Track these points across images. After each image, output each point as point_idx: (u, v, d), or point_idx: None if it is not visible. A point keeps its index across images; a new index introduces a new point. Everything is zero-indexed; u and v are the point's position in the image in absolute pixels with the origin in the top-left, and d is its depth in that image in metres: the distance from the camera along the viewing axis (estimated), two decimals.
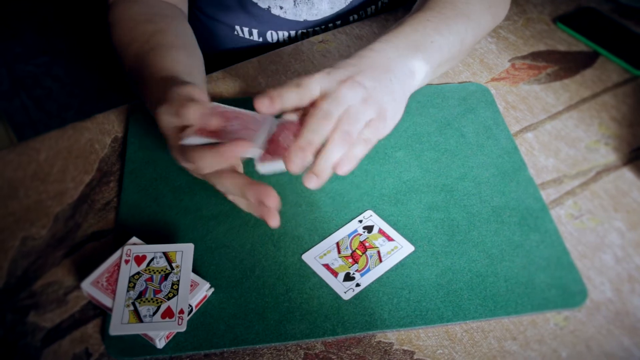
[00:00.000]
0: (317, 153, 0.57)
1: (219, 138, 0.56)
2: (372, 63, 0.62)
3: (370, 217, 0.67)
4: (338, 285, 0.61)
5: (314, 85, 0.58)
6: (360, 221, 0.66)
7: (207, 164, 0.56)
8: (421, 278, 0.63)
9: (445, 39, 0.68)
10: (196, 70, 0.71)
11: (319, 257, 0.63)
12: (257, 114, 0.59)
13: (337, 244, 0.64)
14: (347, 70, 0.60)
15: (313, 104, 0.58)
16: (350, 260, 0.63)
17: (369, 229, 0.66)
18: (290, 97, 0.58)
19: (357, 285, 0.61)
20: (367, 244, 0.65)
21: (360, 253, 0.64)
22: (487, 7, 0.75)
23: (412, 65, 0.64)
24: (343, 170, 0.58)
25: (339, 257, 0.63)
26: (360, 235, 0.65)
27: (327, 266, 0.63)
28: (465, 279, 0.63)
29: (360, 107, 0.58)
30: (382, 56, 0.63)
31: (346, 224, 0.66)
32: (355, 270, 0.62)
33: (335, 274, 0.62)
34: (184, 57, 0.71)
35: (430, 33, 0.67)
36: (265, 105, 0.57)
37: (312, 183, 0.57)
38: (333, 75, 0.59)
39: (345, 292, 0.61)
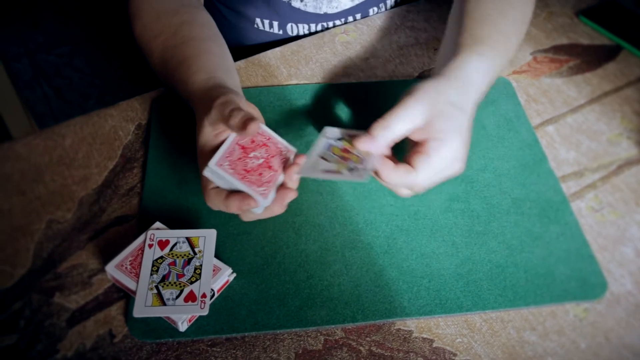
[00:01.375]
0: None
1: (238, 175, 0.58)
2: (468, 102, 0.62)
3: (331, 132, 0.64)
4: (351, 176, 0.58)
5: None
6: (328, 137, 0.64)
7: (214, 206, 0.59)
8: (441, 267, 0.63)
9: (497, 76, 0.69)
10: (227, 59, 0.73)
11: (320, 171, 0.60)
12: (284, 142, 0.62)
13: (322, 157, 0.61)
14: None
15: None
16: (343, 160, 0.61)
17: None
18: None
19: (364, 169, 0.59)
20: (346, 148, 0.62)
21: (347, 155, 0.61)
22: (528, 23, 0.76)
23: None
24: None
25: (332, 162, 0.61)
26: (335, 145, 0.63)
27: (330, 172, 0.59)
28: (484, 269, 0.63)
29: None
30: (475, 91, 0.63)
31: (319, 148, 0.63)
32: (353, 163, 0.60)
33: (339, 173, 0.59)
34: (214, 49, 0.72)
35: (497, 74, 0.68)
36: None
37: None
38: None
39: (363, 176, 0.58)
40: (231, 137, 0.60)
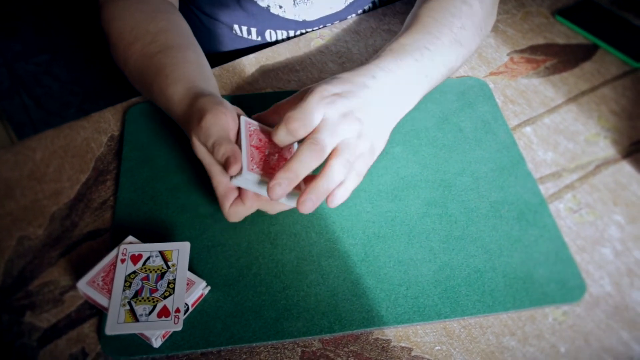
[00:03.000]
0: (310, 179, 0.58)
1: (265, 174, 0.58)
2: (372, 96, 0.62)
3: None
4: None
5: (317, 115, 0.58)
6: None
7: (237, 218, 0.62)
8: (419, 274, 0.62)
9: (438, 71, 0.69)
10: (204, 67, 0.72)
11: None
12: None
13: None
14: (350, 101, 0.60)
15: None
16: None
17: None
18: (300, 132, 0.58)
19: None
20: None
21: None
22: (479, 30, 0.75)
23: (405, 101, 0.65)
24: (335, 202, 0.58)
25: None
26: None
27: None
28: (463, 275, 0.62)
29: (356, 141, 0.59)
30: (383, 88, 0.63)
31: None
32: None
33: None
34: (192, 57, 0.71)
35: (427, 64, 0.67)
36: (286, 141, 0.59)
37: (308, 206, 0.56)
38: (336, 105, 0.59)
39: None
40: (244, 141, 0.59)
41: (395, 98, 0.64)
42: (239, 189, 0.61)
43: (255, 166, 0.58)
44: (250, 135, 0.61)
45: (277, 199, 0.55)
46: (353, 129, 0.59)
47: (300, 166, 0.56)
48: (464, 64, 0.84)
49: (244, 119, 0.62)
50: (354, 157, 0.59)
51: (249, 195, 0.60)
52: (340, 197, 0.58)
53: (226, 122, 0.60)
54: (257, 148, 0.60)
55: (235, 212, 0.61)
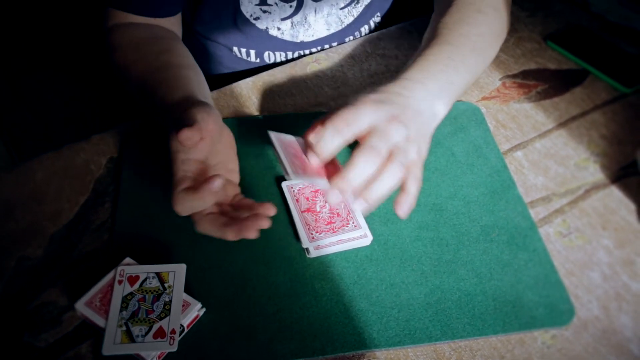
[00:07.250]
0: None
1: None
2: (409, 103, 0.63)
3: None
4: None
5: (364, 118, 0.59)
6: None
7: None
8: (410, 297, 0.64)
9: (462, 78, 0.70)
10: (204, 88, 0.74)
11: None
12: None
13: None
14: (393, 108, 0.61)
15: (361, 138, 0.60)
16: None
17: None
18: (346, 132, 0.59)
19: None
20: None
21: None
22: (496, 36, 0.77)
23: (436, 109, 0.66)
24: (404, 210, 0.60)
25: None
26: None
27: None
28: (453, 298, 0.64)
29: (406, 145, 0.60)
30: (414, 97, 0.64)
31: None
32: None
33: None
34: (193, 76, 0.73)
35: (451, 73, 0.68)
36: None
37: (361, 206, 0.58)
38: (382, 110, 0.60)
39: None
40: (280, 150, 0.60)
41: (427, 105, 0.65)
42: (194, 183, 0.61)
43: (298, 163, 0.59)
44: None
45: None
46: (401, 132, 0.59)
47: (356, 173, 0.57)
48: None
49: (274, 133, 0.63)
50: (407, 161, 0.59)
51: (204, 187, 0.58)
52: (408, 204, 0.60)
53: (214, 120, 0.61)
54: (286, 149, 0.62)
55: (184, 199, 0.59)
